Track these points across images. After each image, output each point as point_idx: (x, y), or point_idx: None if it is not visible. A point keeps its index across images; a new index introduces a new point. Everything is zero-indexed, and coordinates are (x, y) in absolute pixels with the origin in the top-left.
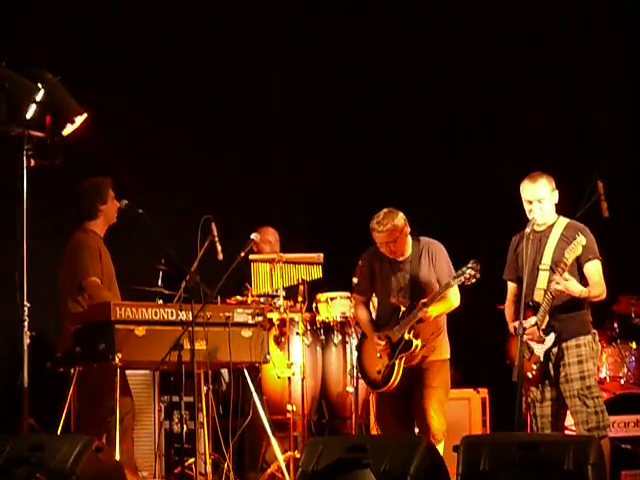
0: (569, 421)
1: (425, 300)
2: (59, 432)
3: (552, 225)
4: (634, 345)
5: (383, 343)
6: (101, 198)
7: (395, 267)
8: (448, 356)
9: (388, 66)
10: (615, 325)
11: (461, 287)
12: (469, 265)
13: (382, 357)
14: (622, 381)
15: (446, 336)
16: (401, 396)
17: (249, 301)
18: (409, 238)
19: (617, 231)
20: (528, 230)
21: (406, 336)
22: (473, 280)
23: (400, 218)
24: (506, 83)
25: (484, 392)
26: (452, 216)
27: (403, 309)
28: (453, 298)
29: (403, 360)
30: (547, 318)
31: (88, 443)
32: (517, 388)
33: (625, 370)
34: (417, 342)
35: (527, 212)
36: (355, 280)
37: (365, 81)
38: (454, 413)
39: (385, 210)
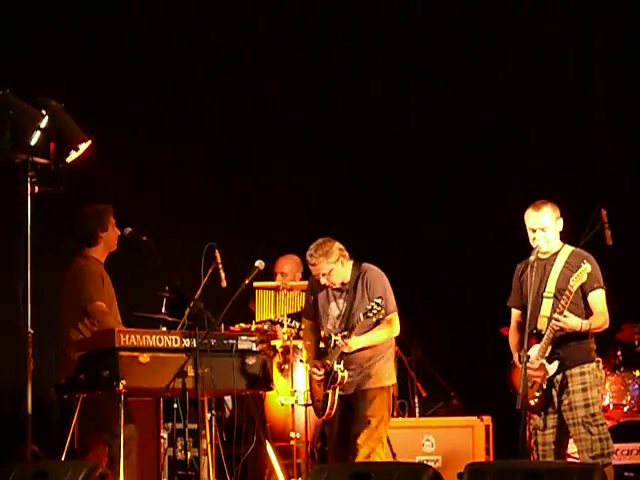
0: (572, 449)
1: (345, 333)
2: (63, 459)
3: (556, 253)
4: (637, 373)
5: (319, 372)
6: (102, 225)
7: (334, 294)
8: (387, 383)
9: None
10: (619, 353)
11: (465, 315)
12: (375, 301)
13: (320, 386)
14: (625, 409)
15: (387, 362)
16: (342, 422)
17: (253, 329)
18: (349, 264)
19: (621, 259)
20: (532, 258)
21: (335, 367)
22: (379, 316)
23: (335, 249)
24: (508, 111)
25: (488, 420)
26: (457, 241)
27: (334, 338)
28: (385, 329)
29: (336, 390)
30: (550, 347)
31: (92, 470)
32: (521, 416)
33: (628, 398)
34: (343, 374)
35: (531, 240)
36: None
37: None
38: (457, 441)
39: (319, 241)
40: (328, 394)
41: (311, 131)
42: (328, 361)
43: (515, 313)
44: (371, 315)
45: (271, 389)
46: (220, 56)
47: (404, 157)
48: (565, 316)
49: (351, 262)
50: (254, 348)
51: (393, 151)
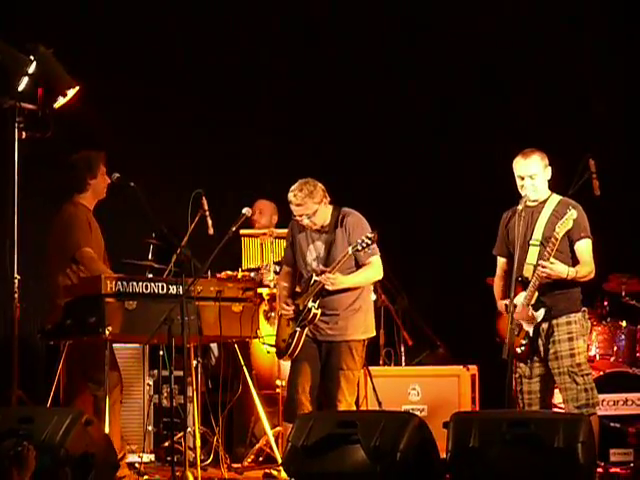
0: (557, 399)
1: (328, 269)
2: (49, 405)
3: (544, 201)
4: (624, 324)
5: (289, 309)
6: (91, 172)
7: (313, 237)
8: (362, 337)
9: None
10: (605, 303)
11: (454, 263)
12: (366, 234)
13: (289, 325)
14: (612, 359)
15: (365, 315)
16: (313, 366)
17: (239, 276)
18: (330, 208)
19: (608, 209)
20: (520, 207)
21: (309, 304)
22: (368, 250)
23: (318, 189)
24: (497, 61)
25: (474, 369)
26: (442, 191)
27: (315, 278)
28: (370, 271)
29: (306, 330)
30: (536, 294)
31: (78, 416)
32: (507, 365)
33: (615, 348)
34: (316, 311)
35: (519, 188)
36: None
37: (351, 66)
38: (443, 390)
39: (302, 181)
40: (296, 332)
41: (301, 83)
42: (303, 299)
43: (501, 261)
44: (360, 249)
45: (257, 337)
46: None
47: (390, 107)
48: (551, 263)
49: (331, 206)
50: (240, 295)
51: (379, 101)
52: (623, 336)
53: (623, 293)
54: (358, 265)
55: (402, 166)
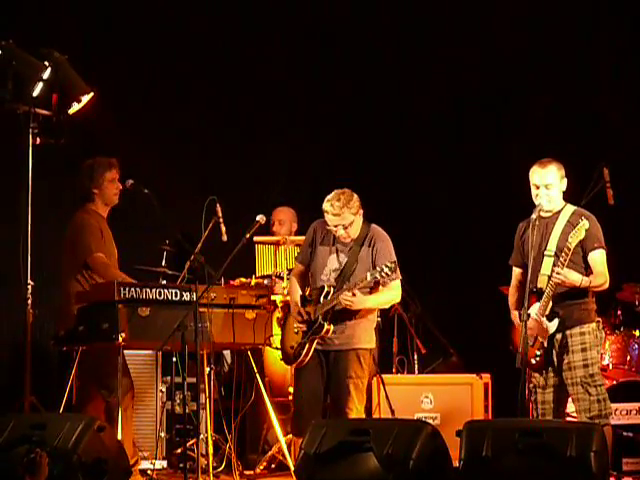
0: (570, 408)
1: (345, 287)
2: (61, 411)
3: (559, 212)
4: (637, 333)
5: (300, 320)
6: (92, 181)
7: (337, 247)
8: (367, 346)
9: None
10: (619, 313)
11: (468, 272)
12: (387, 264)
13: (299, 333)
14: (625, 368)
15: (370, 326)
16: (318, 377)
17: (253, 283)
18: (361, 221)
19: (622, 219)
20: (534, 216)
21: (320, 319)
22: (387, 280)
23: (355, 200)
24: (513, 69)
25: (487, 377)
26: (457, 199)
27: (327, 289)
28: (390, 294)
29: (315, 342)
30: (550, 304)
31: (90, 422)
32: (520, 374)
33: (628, 358)
34: (328, 326)
35: (534, 197)
36: None
37: (367, 68)
38: (456, 398)
39: (339, 191)
40: (305, 343)
41: (315, 87)
42: (315, 310)
43: (516, 271)
44: (379, 277)
45: (270, 344)
46: (227, 9)
47: (408, 115)
48: (565, 270)
49: (362, 219)
50: (254, 302)
51: (397, 108)
52: (636, 345)
53: (637, 302)
54: (376, 286)
55: (418, 175)
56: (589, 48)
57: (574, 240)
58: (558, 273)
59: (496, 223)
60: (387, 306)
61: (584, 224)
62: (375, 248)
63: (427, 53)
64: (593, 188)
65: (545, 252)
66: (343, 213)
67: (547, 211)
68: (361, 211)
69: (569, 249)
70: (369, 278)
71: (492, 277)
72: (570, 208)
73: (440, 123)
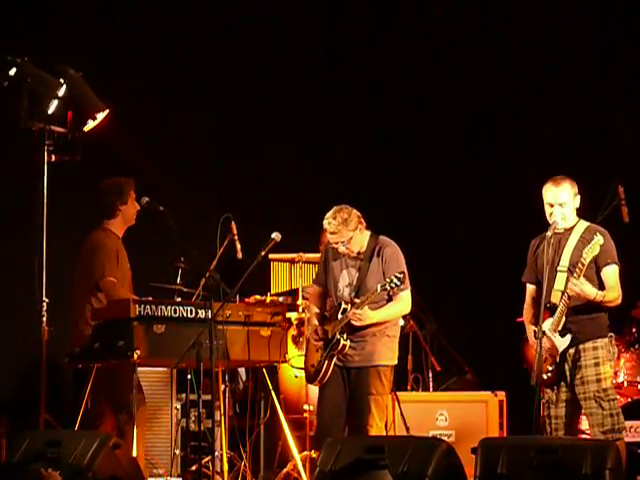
0: (585, 425)
1: (357, 301)
2: (76, 428)
3: (572, 228)
4: None
5: (317, 337)
6: (122, 198)
7: (347, 262)
8: (388, 363)
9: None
10: (633, 330)
11: (483, 290)
12: (396, 274)
13: (319, 351)
14: (639, 386)
15: (391, 342)
16: (339, 394)
17: (268, 300)
18: (366, 234)
19: (637, 236)
20: (549, 233)
21: (337, 335)
22: (397, 290)
23: (353, 216)
24: (525, 88)
25: (502, 395)
26: (472, 218)
27: (344, 306)
28: (398, 306)
29: (334, 359)
30: (563, 320)
31: (105, 440)
32: (535, 391)
33: None
34: (345, 342)
35: (548, 215)
36: None
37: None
38: (471, 416)
39: (336, 208)
40: (325, 361)
41: (330, 105)
42: (332, 328)
43: (530, 288)
44: (389, 288)
45: (285, 361)
46: (238, 26)
47: (421, 135)
48: (581, 282)
49: (368, 232)
50: (269, 320)
51: (409, 129)
52: None
53: None
54: (390, 297)
55: (434, 193)
56: (602, 65)
57: (589, 256)
58: (574, 284)
59: (512, 241)
60: (397, 318)
61: (599, 240)
62: (384, 259)
63: (442, 73)
64: (608, 206)
65: (558, 268)
66: (340, 231)
67: (561, 228)
68: (362, 225)
69: (583, 264)
70: (379, 290)
71: (507, 294)
72: (583, 224)
73: (459, 139)
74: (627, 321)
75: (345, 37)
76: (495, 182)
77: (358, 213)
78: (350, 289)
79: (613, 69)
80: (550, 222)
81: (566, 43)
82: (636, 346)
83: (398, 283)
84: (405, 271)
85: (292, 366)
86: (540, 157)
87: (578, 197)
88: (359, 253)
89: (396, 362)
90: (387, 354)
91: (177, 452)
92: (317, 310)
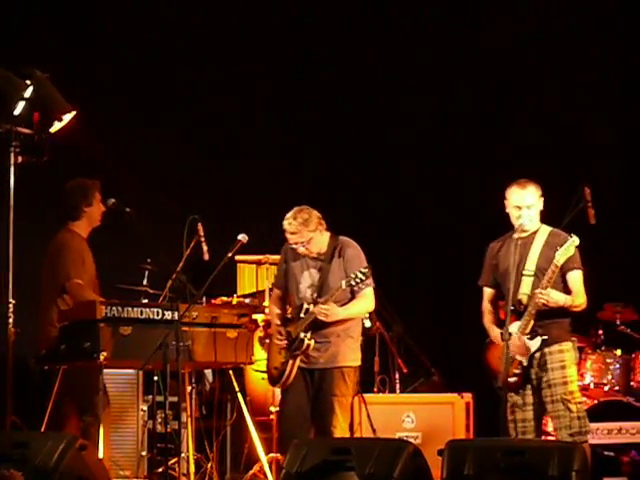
0: (550, 427)
1: (321, 300)
2: (43, 430)
3: (535, 232)
4: (618, 352)
5: (281, 338)
6: (87, 199)
7: (308, 263)
8: (352, 364)
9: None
10: (600, 332)
11: (449, 291)
12: (361, 270)
13: (281, 353)
14: (606, 388)
15: (354, 343)
16: (303, 396)
17: (234, 302)
18: (326, 235)
19: (603, 238)
20: (516, 236)
21: (301, 335)
22: (362, 285)
23: (313, 217)
24: (493, 90)
25: (468, 397)
26: (437, 220)
27: (306, 306)
28: (363, 302)
29: (298, 359)
30: (532, 323)
31: (72, 441)
32: (500, 394)
33: (609, 377)
34: (309, 341)
35: (514, 218)
36: None
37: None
38: (438, 417)
39: (297, 209)
40: (288, 361)
41: (298, 104)
42: (295, 328)
43: (487, 292)
44: (354, 284)
45: (252, 363)
46: (208, 27)
47: (389, 135)
48: (548, 292)
49: (328, 233)
50: (235, 321)
51: (378, 129)
52: (617, 365)
53: (618, 322)
54: (354, 295)
55: (397, 194)
56: (570, 66)
57: (562, 257)
58: (542, 293)
59: (478, 243)
60: (362, 315)
61: (574, 241)
62: (345, 258)
63: (408, 70)
64: (574, 208)
65: (523, 272)
66: (300, 231)
67: (524, 231)
68: (322, 226)
69: (556, 267)
70: (344, 286)
71: (474, 295)
72: (546, 228)
73: (425, 139)
74: (593, 323)
75: (313, 37)
76: (462, 185)
77: (318, 214)
78: (312, 290)
79: (580, 68)
80: (516, 225)
81: (534, 43)
82: (602, 348)
83: (363, 278)
84: (368, 266)
85: (255, 370)
86: (506, 158)
87: (542, 199)
88: (319, 254)
89: (359, 363)
90: (351, 355)
91: (143, 454)
92: (278, 311)
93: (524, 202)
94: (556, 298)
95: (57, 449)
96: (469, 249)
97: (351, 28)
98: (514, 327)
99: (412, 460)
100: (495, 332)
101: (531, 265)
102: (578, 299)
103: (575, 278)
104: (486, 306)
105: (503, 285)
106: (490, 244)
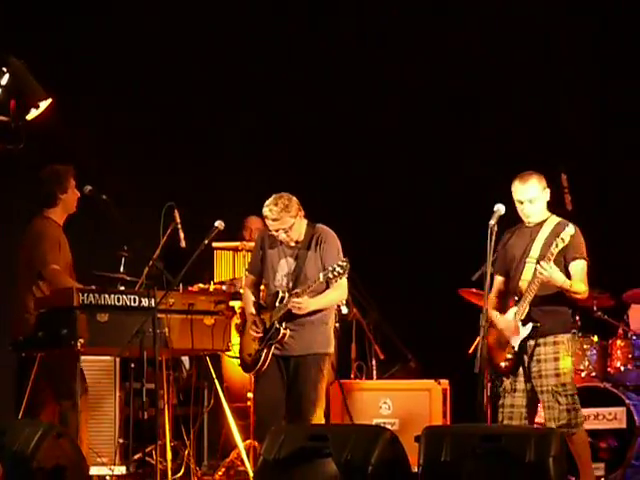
0: (541, 418)
1: (298, 290)
2: (20, 417)
3: (543, 222)
4: (595, 338)
5: (256, 330)
6: (61, 186)
7: (285, 252)
8: (327, 351)
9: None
10: (577, 318)
11: (426, 277)
12: (339, 263)
13: (255, 341)
14: (583, 374)
15: (328, 331)
16: (278, 383)
17: (211, 289)
18: (304, 222)
19: (580, 224)
20: (520, 226)
21: (276, 324)
22: (339, 278)
23: (294, 203)
24: (471, 79)
25: (445, 383)
26: (413, 205)
27: (281, 295)
28: (336, 292)
29: (272, 348)
30: (527, 308)
31: (49, 429)
32: (478, 380)
33: (586, 363)
34: (285, 331)
35: (519, 211)
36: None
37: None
38: (415, 404)
39: (277, 195)
40: (263, 350)
41: (277, 95)
42: (270, 317)
43: (499, 279)
44: (331, 276)
45: (229, 350)
46: (181, 16)
47: (368, 119)
48: (551, 267)
49: (305, 220)
50: (212, 308)
51: (355, 116)
52: (594, 351)
53: (594, 308)
54: (328, 285)
55: (373, 180)
56: (544, 52)
57: (559, 243)
58: (542, 266)
59: (453, 229)
60: (335, 304)
61: (569, 230)
62: (322, 248)
63: (382, 59)
64: (551, 193)
65: (527, 259)
66: (282, 217)
67: (532, 222)
68: (301, 213)
69: (552, 254)
70: (322, 279)
71: (450, 281)
72: (555, 219)
73: (395, 126)
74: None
75: (287, 31)
76: (436, 167)
77: (297, 200)
78: (288, 278)
79: (555, 54)
80: (523, 218)
81: (509, 29)
82: (579, 334)
83: (341, 271)
84: (347, 260)
85: (229, 356)
86: (482, 144)
87: (547, 190)
88: (297, 242)
89: (333, 350)
90: (325, 342)
91: (120, 441)
92: (253, 299)
93: (526, 196)
94: (556, 276)
95: (34, 436)
96: (445, 234)
97: (336, 25)
98: (510, 312)
99: (389, 446)
100: (495, 315)
101: (535, 252)
102: (577, 284)
103: (577, 267)
104: (494, 293)
105: (509, 273)
106: (505, 233)
